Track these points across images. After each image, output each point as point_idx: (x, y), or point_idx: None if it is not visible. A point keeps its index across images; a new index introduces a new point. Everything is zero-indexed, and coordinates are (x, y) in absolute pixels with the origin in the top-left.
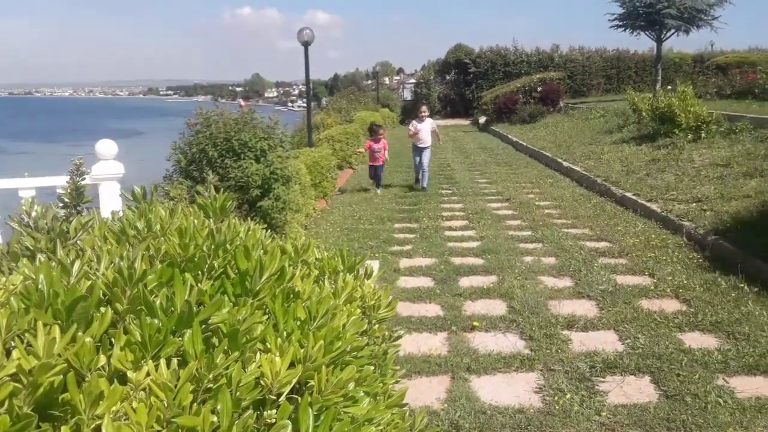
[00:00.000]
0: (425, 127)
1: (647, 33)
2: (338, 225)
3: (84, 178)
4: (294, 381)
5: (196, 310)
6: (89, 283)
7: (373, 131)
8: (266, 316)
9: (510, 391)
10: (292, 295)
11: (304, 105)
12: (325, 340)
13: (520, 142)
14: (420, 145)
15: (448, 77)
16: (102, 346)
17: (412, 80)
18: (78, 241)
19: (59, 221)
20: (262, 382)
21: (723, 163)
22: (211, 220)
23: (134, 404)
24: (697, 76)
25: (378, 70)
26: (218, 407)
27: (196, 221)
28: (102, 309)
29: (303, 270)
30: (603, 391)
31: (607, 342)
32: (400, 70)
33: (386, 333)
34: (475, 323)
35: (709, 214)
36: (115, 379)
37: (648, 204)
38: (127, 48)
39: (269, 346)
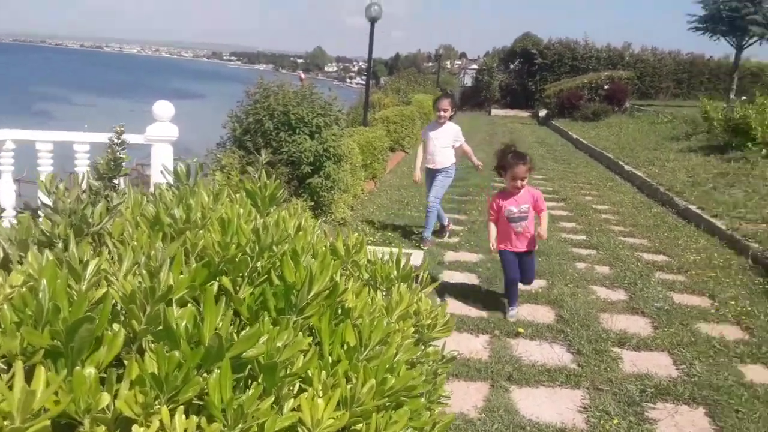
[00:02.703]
0: (442, 136)
1: (728, 38)
2: (385, 209)
3: (124, 148)
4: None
5: (228, 344)
6: (102, 291)
7: (510, 165)
8: (310, 337)
9: (552, 407)
10: (341, 311)
11: (363, 82)
12: (376, 378)
13: (581, 140)
14: (430, 166)
15: (511, 66)
16: (108, 378)
17: (474, 66)
18: (107, 226)
19: (83, 203)
20: (299, 429)
21: None
22: (258, 213)
23: None
24: None
25: (441, 53)
26: None
27: (241, 210)
28: (115, 326)
29: (353, 271)
30: (653, 419)
31: (660, 365)
32: (463, 55)
33: (439, 354)
34: (520, 329)
35: None
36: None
37: (713, 220)
38: (193, 10)
39: (310, 374)
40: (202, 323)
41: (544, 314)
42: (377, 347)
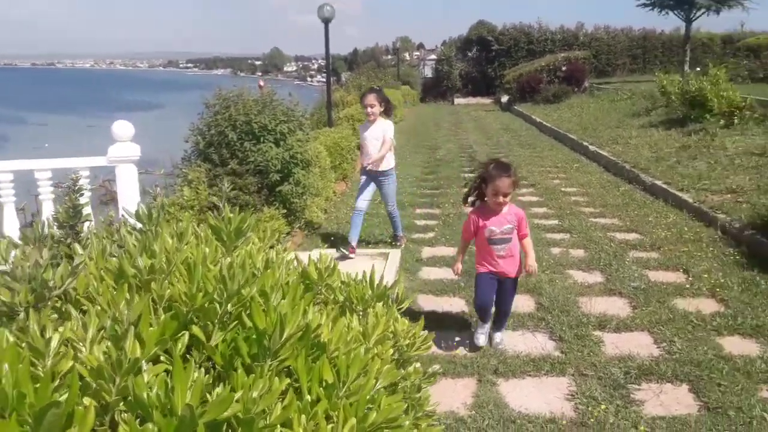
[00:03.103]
0: (374, 134)
1: (676, 12)
2: None
3: (82, 194)
4: None
5: (201, 409)
6: (69, 365)
7: (492, 178)
8: (288, 379)
9: (540, 397)
10: (316, 348)
11: (323, 80)
12: (357, 415)
13: (545, 123)
14: (370, 168)
15: (469, 54)
16: None
17: (433, 56)
18: (70, 287)
19: (42, 268)
20: None
21: (758, 151)
22: (225, 249)
23: None
24: (727, 58)
25: (399, 46)
26: None
27: (207, 249)
28: (86, 400)
29: (327, 295)
30: (639, 401)
31: (641, 345)
32: (420, 46)
33: (421, 371)
34: None
35: (746, 206)
36: None
37: (679, 194)
38: (147, 20)
39: (290, 417)
40: (173, 393)
41: (524, 303)
42: (356, 381)
